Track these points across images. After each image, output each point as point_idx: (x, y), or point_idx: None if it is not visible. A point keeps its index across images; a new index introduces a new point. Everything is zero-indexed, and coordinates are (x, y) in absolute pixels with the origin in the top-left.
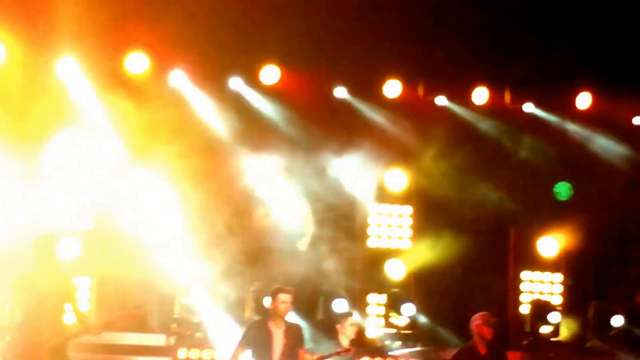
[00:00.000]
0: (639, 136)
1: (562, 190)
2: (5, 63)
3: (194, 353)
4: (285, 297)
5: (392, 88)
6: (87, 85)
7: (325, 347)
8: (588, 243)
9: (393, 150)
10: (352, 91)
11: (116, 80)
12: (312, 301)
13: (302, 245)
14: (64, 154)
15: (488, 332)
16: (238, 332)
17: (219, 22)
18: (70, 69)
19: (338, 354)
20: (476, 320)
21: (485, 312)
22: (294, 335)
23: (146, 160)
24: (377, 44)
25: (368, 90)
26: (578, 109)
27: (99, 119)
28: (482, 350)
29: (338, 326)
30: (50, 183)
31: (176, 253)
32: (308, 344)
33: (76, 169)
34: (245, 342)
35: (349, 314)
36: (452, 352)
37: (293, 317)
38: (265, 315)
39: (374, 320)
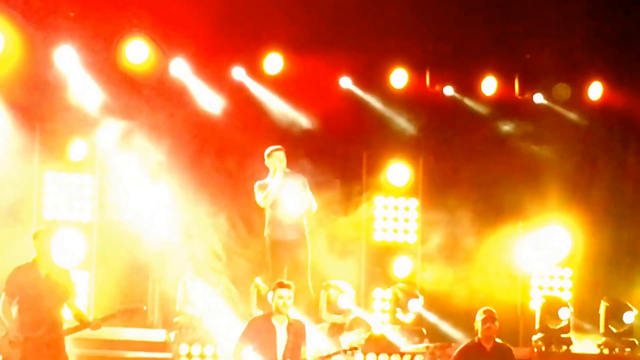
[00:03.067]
0: None
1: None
2: (4, 52)
3: (196, 348)
4: (283, 292)
5: (399, 78)
6: (85, 74)
7: (327, 347)
8: (599, 236)
9: (399, 142)
10: (357, 81)
11: (115, 68)
12: (315, 297)
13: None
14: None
15: (491, 329)
16: (240, 327)
17: (221, 9)
18: (69, 57)
19: (344, 352)
20: (479, 316)
21: (488, 308)
22: (297, 332)
23: (147, 151)
24: (383, 33)
25: (374, 80)
26: (590, 99)
27: (99, 108)
28: (487, 346)
29: (356, 330)
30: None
31: (178, 247)
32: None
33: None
34: (248, 337)
35: (366, 326)
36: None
37: (295, 314)
38: (269, 310)
39: (380, 315)
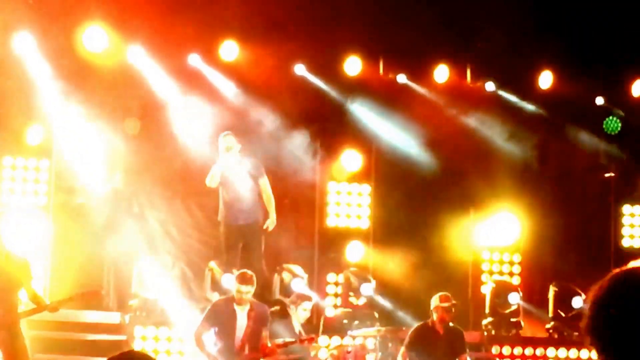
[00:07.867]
0: (600, 117)
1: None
2: None
3: (150, 331)
4: (243, 288)
5: (352, 65)
6: (43, 60)
7: (279, 329)
8: (548, 222)
9: (352, 128)
10: (311, 68)
11: (73, 55)
12: (268, 281)
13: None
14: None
15: (447, 315)
16: (198, 310)
17: None
18: (27, 42)
19: (302, 342)
20: (436, 301)
21: (445, 294)
22: (257, 317)
23: (104, 136)
24: (338, 21)
25: (328, 67)
26: (540, 88)
27: (56, 95)
28: (440, 330)
29: (292, 307)
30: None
31: (133, 231)
32: None
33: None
34: (209, 321)
35: (306, 298)
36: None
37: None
38: (230, 294)
39: (332, 299)
